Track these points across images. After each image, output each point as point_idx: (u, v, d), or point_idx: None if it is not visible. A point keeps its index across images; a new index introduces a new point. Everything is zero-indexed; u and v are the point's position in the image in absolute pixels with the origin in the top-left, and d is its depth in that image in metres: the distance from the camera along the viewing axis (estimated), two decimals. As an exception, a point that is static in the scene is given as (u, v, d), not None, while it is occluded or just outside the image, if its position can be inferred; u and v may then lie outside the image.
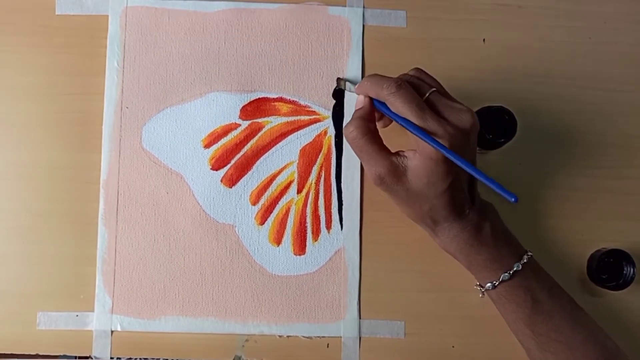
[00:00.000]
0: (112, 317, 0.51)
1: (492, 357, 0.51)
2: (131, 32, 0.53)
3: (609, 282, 0.50)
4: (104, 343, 0.50)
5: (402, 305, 0.52)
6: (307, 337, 0.51)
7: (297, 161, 0.52)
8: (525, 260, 0.44)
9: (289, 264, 0.51)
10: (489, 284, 0.44)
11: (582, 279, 0.52)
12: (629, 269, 0.50)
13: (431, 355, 0.51)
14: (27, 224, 0.51)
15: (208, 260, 0.51)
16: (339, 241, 0.52)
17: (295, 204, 0.52)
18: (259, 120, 0.53)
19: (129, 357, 0.51)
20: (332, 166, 0.52)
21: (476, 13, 0.54)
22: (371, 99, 0.44)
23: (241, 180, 0.52)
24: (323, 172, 0.52)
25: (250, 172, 0.52)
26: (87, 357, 0.51)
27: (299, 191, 0.52)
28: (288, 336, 0.51)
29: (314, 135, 0.53)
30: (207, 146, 0.52)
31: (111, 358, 0.51)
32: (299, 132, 0.53)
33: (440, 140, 0.39)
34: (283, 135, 0.53)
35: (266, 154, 0.52)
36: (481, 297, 0.46)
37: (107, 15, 0.53)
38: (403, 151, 0.43)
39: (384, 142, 0.44)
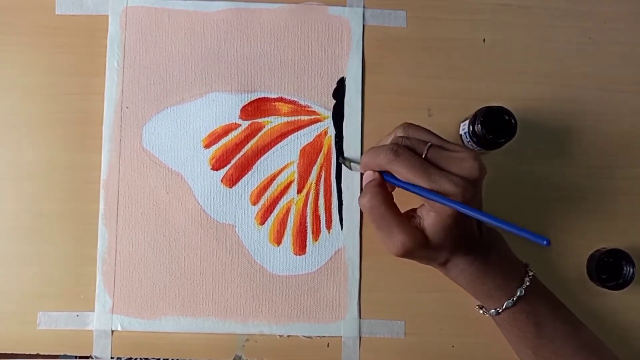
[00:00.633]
0: (112, 317, 0.51)
1: (492, 357, 0.52)
2: (131, 32, 0.53)
3: (608, 282, 0.50)
4: (105, 343, 0.51)
5: (402, 305, 0.52)
6: (307, 337, 0.51)
7: (298, 161, 0.52)
8: (527, 284, 0.44)
9: (289, 264, 0.51)
10: (492, 311, 0.44)
11: (582, 279, 0.52)
12: (628, 268, 0.50)
13: (431, 355, 0.51)
14: (27, 224, 0.51)
15: (208, 260, 0.51)
16: (339, 241, 0.52)
17: (295, 204, 0.52)
18: (259, 120, 0.53)
19: (129, 357, 0.51)
20: (332, 166, 0.52)
21: (476, 13, 0.54)
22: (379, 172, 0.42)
23: (241, 180, 0.52)
24: (323, 172, 0.52)
25: (250, 172, 0.52)
26: (87, 357, 0.51)
27: (299, 191, 0.52)
28: (288, 336, 0.51)
29: (314, 135, 0.53)
30: (207, 146, 0.52)
31: (111, 358, 0.51)
32: (299, 132, 0.53)
33: (452, 196, 0.38)
34: (283, 135, 0.53)
35: (266, 154, 0.52)
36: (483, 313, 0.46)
37: (107, 15, 0.53)
38: (414, 211, 0.42)
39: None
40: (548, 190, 0.53)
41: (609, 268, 0.51)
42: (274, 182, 0.52)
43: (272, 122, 0.53)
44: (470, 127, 0.49)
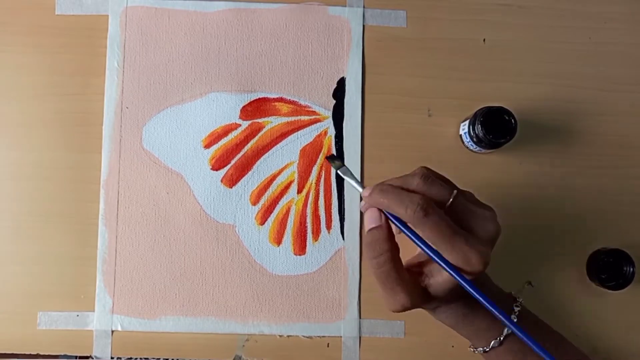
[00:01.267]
0: (112, 317, 0.51)
1: (492, 357, 0.51)
2: (131, 32, 0.53)
3: (608, 281, 0.50)
4: (105, 343, 0.51)
5: (402, 305, 0.52)
6: (308, 337, 0.51)
7: (298, 161, 0.52)
8: (515, 320, 0.43)
9: (289, 264, 0.52)
10: (480, 349, 0.43)
11: (582, 278, 0.52)
12: (628, 268, 0.50)
13: (431, 355, 0.51)
14: (27, 224, 0.51)
15: (208, 260, 0.51)
16: (339, 241, 0.52)
17: (295, 204, 0.52)
18: (259, 120, 0.53)
19: (129, 357, 0.51)
20: (332, 166, 0.52)
21: (476, 13, 0.54)
22: (384, 212, 0.38)
23: (241, 181, 0.52)
24: (323, 172, 0.52)
25: (250, 172, 0.52)
26: (87, 357, 0.51)
27: (299, 191, 0.52)
28: (288, 336, 0.51)
29: (314, 136, 0.53)
30: (207, 146, 0.52)
31: (111, 358, 0.51)
32: (299, 132, 0.53)
33: (474, 266, 0.36)
34: (283, 135, 0.53)
35: (266, 154, 0.52)
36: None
37: (107, 15, 0.53)
38: (421, 266, 0.39)
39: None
40: (548, 190, 0.53)
41: (609, 268, 0.51)
42: (274, 182, 0.52)
43: (272, 122, 0.53)
44: (470, 127, 0.49)
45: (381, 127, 0.53)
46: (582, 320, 0.52)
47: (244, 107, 0.53)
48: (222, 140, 0.52)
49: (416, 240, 0.37)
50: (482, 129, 0.48)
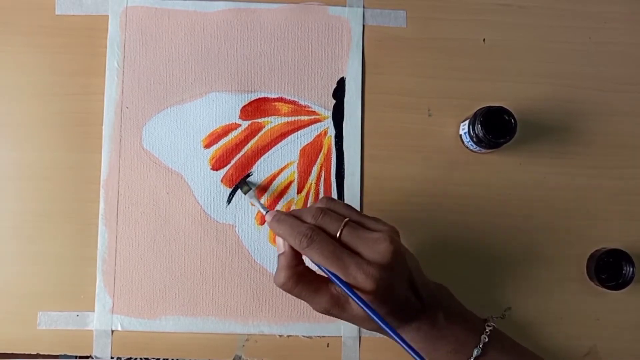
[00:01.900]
0: (112, 317, 0.51)
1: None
2: (131, 32, 0.53)
3: (608, 281, 0.50)
4: (105, 343, 0.51)
5: (402, 305, 0.51)
6: (307, 337, 0.51)
7: (297, 161, 0.52)
8: (485, 340, 0.42)
9: (289, 264, 0.51)
10: None
11: (581, 278, 0.52)
12: (628, 268, 0.50)
13: (431, 355, 0.51)
14: (27, 224, 0.51)
15: (208, 260, 0.51)
16: (339, 241, 0.52)
17: (295, 204, 0.52)
18: (259, 120, 0.53)
19: (129, 356, 0.51)
20: (332, 166, 0.52)
21: (476, 13, 0.54)
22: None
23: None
24: (323, 172, 0.52)
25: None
26: (87, 357, 0.51)
27: (299, 191, 0.52)
28: (288, 336, 0.51)
29: (314, 136, 0.53)
30: (207, 146, 0.52)
31: (111, 358, 0.51)
32: (299, 132, 0.53)
33: (366, 287, 0.38)
34: (283, 135, 0.53)
35: (266, 154, 0.52)
36: None
37: (107, 15, 0.53)
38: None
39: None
40: (548, 190, 0.53)
41: (609, 268, 0.51)
42: (274, 182, 0.52)
43: (272, 122, 0.53)
44: (470, 127, 0.49)
45: (381, 127, 0.53)
46: (582, 320, 0.52)
47: (244, 107, 0.53)
48: (222, 140, 0.52)
49: (314, 262, 0.40)
50: (482, 129, 0.48)
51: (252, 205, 0.51)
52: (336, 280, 0.39)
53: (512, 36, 0.54)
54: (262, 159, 0.52)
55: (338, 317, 0.41)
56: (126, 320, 0.51)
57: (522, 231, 0.52)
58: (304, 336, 0.51)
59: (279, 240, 0.42)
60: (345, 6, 0.54)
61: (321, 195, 0.52)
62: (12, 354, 0.51)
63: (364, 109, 0.53)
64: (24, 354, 0.51)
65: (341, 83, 0.53)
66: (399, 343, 0.37)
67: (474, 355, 0.42)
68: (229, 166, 0.52)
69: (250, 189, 0.50)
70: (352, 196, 0.52)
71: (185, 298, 0.51)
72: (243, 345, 0.51)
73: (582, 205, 0.53)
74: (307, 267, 0.42)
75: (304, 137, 0.53)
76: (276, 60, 0.53)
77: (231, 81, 0.53)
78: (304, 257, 0.42)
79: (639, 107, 0.54)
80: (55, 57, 0.53)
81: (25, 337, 0.50)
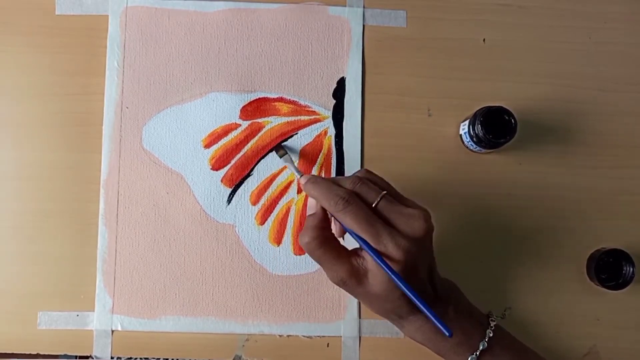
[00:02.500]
0: (112, 317, 0.51)
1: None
2: (131, 32, 0.53)
3: (608, 281, 0.50)
4: (105, 343, 0.51)
5: (402, 305, 0.51)
6: (307, 337, 0.51)
7: (298, 161, 0.52)
8: (490, 335, 0.43)
9: (289, 264, 0.52)
10: None
11: (581, 278, 0.52)
12: (628, 268, 0.50)
13: (431, 355, 0.51)
14: (27, 224, 0.51)
15: (208, 260, 0.51)
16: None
17: (295, 204, 0.52)
18: (259, 120, 0.53)
19: (129, 356, 0.51)
20: (332, 166, 0.52)
21: (476, 13, 0.54)
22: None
23: (241, 180, 0.52)
24: (323, 172, 0.52)
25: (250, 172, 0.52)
26: (87, 357, 0.51)
27: (299, 191, 0.52)
28: (288, 336, 0.51)
29: (314, 136, 0.53)
30: (207, 146, 0.52)
31: (112, 358, 0.51)
32: (299, 132, 0.53)
33: (395, 259, 0.38)
34: (283, 135, 0.53)
35: (266, 154, 0.52)
36: None
37: (107, 15, 0.53)
38: (362, 251, 0.41)
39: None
40: (548, 190, 0.53)
41: (609, 268, 0.51)
42: (274, 182, 0.52)
43: (272, 122, 0.53)
44: (470, 127, 0.49)
45: (381, 127, 0.53)
46: (582, 320, 0.52)
47: (244, 107, 0.53)
48: (222, 140, 0.52)
49: (344, 227, 0.41)
50: (482, 129, 0.48)
51: (287, 165, 0.51)
52: (366, 246, 0.39)
53: (512, 36, 0.54)
54: (262, 159, 0.52)
55: (351, 292, 0.42)
56: (126, 320, 0.51)
57: (522, 231, 0.52)
58: (304, 336, 0.51)
59: (311, 201, 0.43)
60: (345, 6, 0.54)
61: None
62: (12, 354, 0.51)
63: (364, 109, 0.53)
64: (24, 354, 0.51)
65: (341, 83, 0.53)
66: (425, 313, 0.37)
67: (480, 349, 0.43)
68: (229, 166, 0.52)
69: (286, 152, 0.50)
70: (352, 196, 0.52)
71: (185, 298, 0.51)
72: (243, 345, 0.51)
73: (582, 205, 0.53)
74: (333, 234, 0.42)
75: (304, 137, 0.53)
76: (276, 60, 0.53)
77: (231, 81, 0.53)
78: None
79: (639, 107, 0.54)
80: (55, 57, 0.53)
81: (25, 337, 0.50)
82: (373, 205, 0.40)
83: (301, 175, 0.44)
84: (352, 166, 0.52)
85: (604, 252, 0.50)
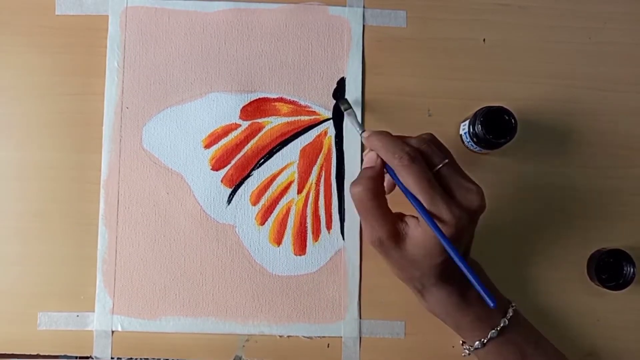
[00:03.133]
0: (112, 318, 0.51)
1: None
2: (131, 32, 0.53)
3: (609, 282, 0.50)
4: (105, 343, 0.51)
5: (402, 305, 0.52)
6: (308, 337, 0.51)
7: (298, 161, 0.52)
8: (511, 314, 0.44)
9: (290, 264, 0.51)
10: (477, 343, 0.44)
11: (582, 279, 0.52)
12: (629, 268, 0.50)
13: (431, 355, 0.51)
14: (27, 224, 0.51)
15: (208, 260, 0.51)
16: (339, 241, 0.52)
17: (295, 204, 0.52)
18: (259, 120, 0.53)
19: (129, 357, 0.51)
20: (332, 166, 0.52)
21: (476, 13, 0.54)
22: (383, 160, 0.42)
23: (241, 181, 0.52)
24: (323, 172, 0.52)
25: (250, 172, 0.52)
26: (87, 357, 0.51)
27: (299, 191, 0.52)
28: (288, 336, 0.51)
29: (314, 136, 0.53)
30: (207, 146, 0.52)
31: (112, 358, 0.51)
32: (299, 132, 0.53)
33: (446, 224, 0.39)
34: (283, 135, 0.53)
35: (266, 154, 0.52)
36: (464, 356, 0.46)
37: (107, 15, 0.53)
38: (405, 216, 0.42)
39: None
40: (548, 190, 0.53)
41: (609, 268, 0.51)
42: (274, 182, 0.52)
43: (272, 123, 0.53)
44: (470, 127, 0.49)
45: (381, 127, 0.53)
46: (582, 320, 0.52)
47: (244, 107, 0.53)
48: (222, 140, 0.52)
49: (399, 183, 0.40)
50: (482, 129, 0.48)
51: (349, 119, 0.50)
52: (419, 207, 0.39)
53: (512, 36, 0.54)
54: (262, 159, 0.52)
55: (385, 253, 0.42)
56: (126, 321, 0.51)
57: (522, 231, 0.52)
58: (304, 336, 0.51)
59: (371, 154, 0.42)
60: (345, 6, 0.54)
61: (322, 195, 0.52)
62: (12, 354, 0.51)
63: (364, 109, 0.53)
64: (24, 355, 0.51)
65: (341, 83, 0.53)
66: (467, 276, 0.37)
67: (500, 325, 0.43)
68: (229, 166, 0.52)
69: (350, 106, 0.50)
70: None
71: (186, 298, 0.51)
72: (243, 346, 0.51)
73: (582, 205, 0.53)
74: (384, 192, 0.42)
75: (304, 137, 0.53)
76: (276, 60, 0.53)
77: (231, 81, 0.53)
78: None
79: (639, 107, 0.54)
80: (55, 57, 0.53)
81: (26, 338, 0.50)
82: (435, 169, 0.40)
83: (363, 131, 0.44)
84: (352, 166, 0.52)
85: (605, 252, 0.50)
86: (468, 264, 0.41)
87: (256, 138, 0.52)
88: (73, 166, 0.52)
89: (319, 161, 0.52)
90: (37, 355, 0.51)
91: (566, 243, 0.52)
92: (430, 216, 0.39)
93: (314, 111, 0.53)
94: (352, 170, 0.52)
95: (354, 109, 0.50)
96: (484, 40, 0.54)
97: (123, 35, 0.53)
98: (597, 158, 0.53)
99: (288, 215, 0.52)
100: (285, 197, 0.52)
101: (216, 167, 0.52)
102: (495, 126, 0.48)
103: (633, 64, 0.54)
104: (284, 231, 0.52)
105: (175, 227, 0.52)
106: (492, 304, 0.37)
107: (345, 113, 0.50)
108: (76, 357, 0.51)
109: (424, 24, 0.54)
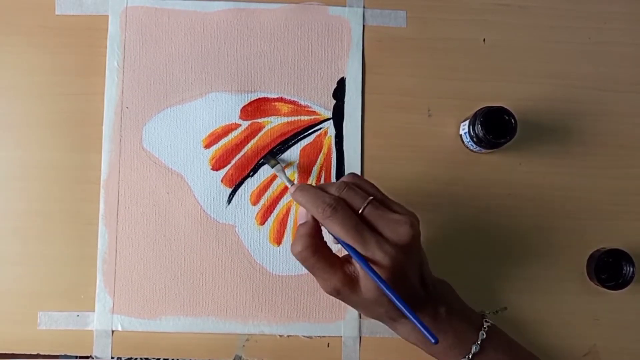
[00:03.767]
0: (112, 317, 0.51)
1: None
2: (131, 32, 0.53)
3: (608, 281, 0.50)
4: (105, 343, 0.51)
5: (402, 305, 0.52)
6: (308, 337, 0.51)
7: (298, 161, 0.52)
8: (483, 337, 0.43)
9: (290, 264, 0.52)
10: None
11: (581, 278, 0.52)
12: (628, 268, 0.50)
13: (430, 356, 0.51)
14: (27, 224, 0.51)
15: (208, 260, 0.51)
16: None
17: (295, 204, 0.52)
18: (259, 120, 0.53)
19: (129, 357, 0.51)
20: (332, 166, 0.52)
21: (476, 13, 0.54)
22: None
23: (241, 180, 0.52)
24: (323, 172, 0.52)
25: (250, 172, 0.52)
26: (87, 357, 0.51)
27: (299, 191, 0.52)
28: (288, 336, 0.51)
29: (314, 136, 0.53)
30: (207, 146, 0.52)
31: (112, 358, 0.51)
32: (299, 132, 0.53)
33: (382, 266, 0.38)
34: (283, 135, 0.53)
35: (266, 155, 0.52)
36: None
37: (107, 15, 0.53)
38: (351, 258, 0.41)
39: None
40: (548, 190, 0.53)
41: (609, 268, 0.51)
42: (274, 182, 0.52)
43: (272, 122, 0.53)
44: (470, 127, 0.49)
45: (381, 127, 0.53)
46: (582, 320, 0.52)
47: (244, 107, 0.53)
48: (222, 140, 0.52)
49: (331, 233, 0.40)
50: (482, 129, 0.48)
51: (278, 175, 0.51)
52: (353, 253, 0.39)
53: (512, 36, 0.54)
54: (262, 159, 0.52)
55: (345, 299, 0.41)
56: (126, 321, 0.51)
57: (522, 231, 0.52)
58: (304, 336, 0.51)
59: (302, 210, 0.42)
60: (345, 6, 0.54)
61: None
62: (12, 354, 0.51)
63: (364, 109, 0.53)
64: (24, 354, 0.51)
65: (341, 83, 0.53)
66: (411, 320, 0.37)
67: (472, 352, 0.42)
68: (229, 166, 0.52)
69: (278, 162, 0.50)
70: (352, 196, 0.52)
71: (186, 298, 0.51)
72: (243, 345, 0.51)
73: (582, 205, 0.53)
74: (325, 243, 0.42)
75: (304, 137, 0.53)
76: (276, 60, 0.53)
77: (231, 81, 0.53)
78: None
79: (639, 107, 0.54)
80: (55, 57, 0.53)
81: (26, 337, 0.50)
82: (359, 211, 0.40)
83: (292, 185, 0.44)
84: (352, 166, 0.52)
85: (604, 252, 0.50)
86: (429, 290, 0.42)
87: (256, 138, 0.53)
88: (73, 166, 0.52)
89: (319, 161, 0.53)
90: (37, 355, 0.51)
91: (566, 243, 0.52)
92: (366, 260, 0.39)
93: (314, 111, 0.53)
94: (352, 170, 0.52)
95: (281, 165, 0.50)
96: (484, 40, 0.54)
97: (123, 35, 0.53)
98: (597, 158, 0.53)
99: (288, 215, 0.52)
100: (285, 197, 0.52)
101: (216, 167, 0.52)
102: (495, 126, 0.48)
103: (633, 64, 0.54)
104: (284, 231, 0.52)
105: (175, 227, 0.52)
106: (433, 340, 0.37)
107: (274, 170, 0.50)
108: (76, 357, 0.51)
109: (424, 24, 0.54)
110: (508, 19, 0.54)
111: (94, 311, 0.51)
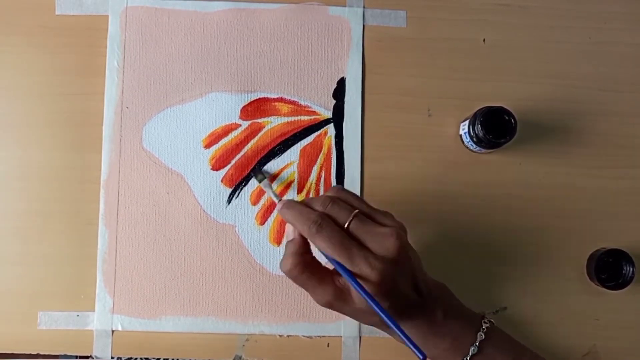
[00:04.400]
0: (112, 317, 0.51)
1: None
2: (131, 32, 0.53)
3: (608, 281, 0.50)
4: (105, 343, 0.51)
5: (402, 305, 0.51)
6: (308, 337, 0.51)
7: (298, 161, 0.52)
8: (482, 338, 0.43)
9: (289, 264, 0.51)
10: None
11: (581, 278, 0.52)
12: (628, 268, 0.50)
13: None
14: (27, 224, 0.51)
15: (208, 260, 0.51)
16: (339, 241, 0.52)
17: (295, 204, 0.52)
18: (259, 120, 0.53)
19: (129, 356, 0.51)
20: (332, 166, 0.52)
21: (476, 13, 0.54)
22: None
23: (241, 180, 0.52)
24: (323, 172, 0.52)
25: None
26: (87, 357, 0.51)
27: (299, 191, 0.52)
28: (288, 336, 0.51)
29: (314, 136, 0.53)
30: (207, 146, 0.52)
31: (112, 358, 0.51)
32: (299, 132, 0.53)
33: (370, 281, 0.38)
34: (283, 135, 0.53)
35: (266, 154, 0.52)
36: None
37: (107, 15, 0.53)
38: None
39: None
40: (548, 190, 0.53)
41: (609, 268, 0.51)
42: (274, 182, 0.52)
43: (272, 123, 0.53)
44: (470, 127, 0.49)
45: (381, 127, 0.53)
46: (582, 320, 0.52)
47: (244, 107, 0.53)
48: (222, 140, 0.52)
49: (319, 250, 0.40)
50: (482, 129, 0.48)
51: (265, 190, 0.51)
52: (341, 269, 0.39)
53: (512, 36, 0.54)
54: (262, 159, 0.52)
55: (339, 311, 0.41)
56: (126, 320, 0.51)
57: (522, 231, 0.52)
58: (304, 336, 0.51)
59: (289, 227, 0.42)
60: (345, 6, 0.54)
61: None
62: (12, 354, 0.51)
63: (364, 109, 0.53)
64: (24, 354, 0.51)
65: (341, 83, 0.53)
66: (398, 335, 0.37)
67: (470, 353, 0.42)
68: (229, 166, 0.52)
69: (265, 177, 0.50)
70: (352, 196, 0.52)
71: (186, 298, 0.51)
72: (243, 345, 0.51)
73: (582, 205, 0.53)
74: (314, 257, 0.42)
75: (304, 137, 0.53)
76: (276, 60, 0.53)
77: (231, 81, 0.53)
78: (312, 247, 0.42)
79: (639, 107, 0.54)
80: (55, 57, 0.53)
81: (26, 337, 0.51)
82: (345, 225, 0.40)
83: (279, 200, 0.44)
84: (352, 166, 0.52)
85: (604, 252, 0.50)
86: (424, 295, 0.41)
87: (256, 138, 0.53)
88: (73, 166, 0.52)
89: (319, 161, 0.53)
90: (37, 355, 0.51)
91: (566, 243, 0.52)
92: (354, 276, 0.39)
93: (314, 111, 0.53)
94: (352, 170, 0.52)
95: (267, 179, 0.50)
96: (484, 40, 0.54)
97: (123, 35, 0.53)
98: (597, 158, 0.53)
99: (288, 215, 0.52)
100: (285, 197, 0.52)
101: (216, 167, 0.52)
102: (495, 126, 0.48)
103: (633, 64, 0.54)
104: (284, 231, 0.52)
105: (175, 226, 0.52)
106: (421, 356, 0.37)
107: (261, 185, 0.50)
108: (76, 357, 0.51)
109: (424, 24, 0.54)
110: (508, 19, 0.54)
111: (94, 311, 0.51)
